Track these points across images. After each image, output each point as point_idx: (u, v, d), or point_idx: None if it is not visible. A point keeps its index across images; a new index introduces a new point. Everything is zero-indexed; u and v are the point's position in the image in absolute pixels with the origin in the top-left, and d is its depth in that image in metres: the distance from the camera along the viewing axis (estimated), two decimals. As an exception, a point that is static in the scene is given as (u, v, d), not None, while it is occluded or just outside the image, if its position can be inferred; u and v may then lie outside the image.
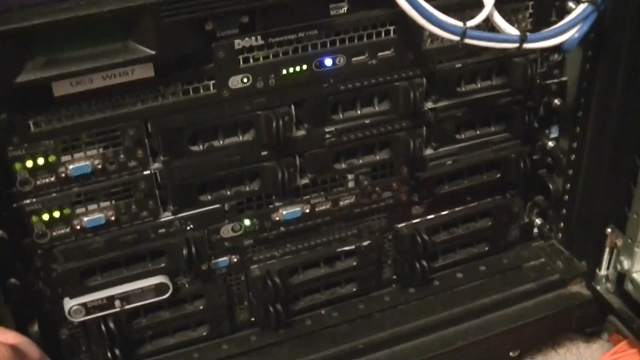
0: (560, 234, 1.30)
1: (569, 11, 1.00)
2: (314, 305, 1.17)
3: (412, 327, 1.17)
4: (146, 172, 0.95)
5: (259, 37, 0.91)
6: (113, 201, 0.96)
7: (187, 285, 1.07)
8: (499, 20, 0.94)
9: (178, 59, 0.88)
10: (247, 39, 0.91)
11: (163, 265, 1.01)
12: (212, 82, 0.92)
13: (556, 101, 1.14)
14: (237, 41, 0.90)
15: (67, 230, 0.95)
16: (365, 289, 1.19)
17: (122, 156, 0.93)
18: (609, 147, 1.12)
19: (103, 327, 1.02)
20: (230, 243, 1.06)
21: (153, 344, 1.10)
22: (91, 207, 0.95)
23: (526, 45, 0.95)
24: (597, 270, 1.22)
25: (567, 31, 0.96)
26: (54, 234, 0.94)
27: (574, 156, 1.19)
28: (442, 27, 0.90)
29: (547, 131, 1.20)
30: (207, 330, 1.12)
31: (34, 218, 0.93)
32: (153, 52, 0.83)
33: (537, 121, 1.16)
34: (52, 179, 0.91)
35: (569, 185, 1.22)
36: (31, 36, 0.78)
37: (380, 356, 1.15)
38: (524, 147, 1.17)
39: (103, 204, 0.95)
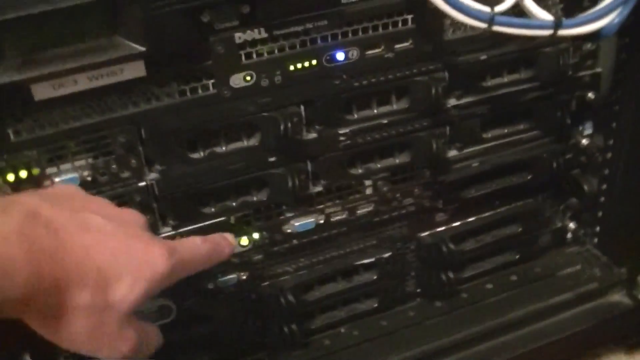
0: (596, 239, 1.24)
1: (603, -5, 0.93)
2: (332, 323, 1.11)
3: (441, 344, 1.11)
4: (141, 184, 0.88)
5: (262, 30, 0.84)
6: (106, 217, 0.88)
7: (192, 306, 0.99)
8: (530, 4, 0.86)
9: (172, 55, 0.80)
10: (248, 31, 0.83)
11: (165, 285, 0.93)
12: (212, 81, 0.85)
13: (590, 95, 1.07)
14: (237, 34, 0.83)
15: (55, 250, 0.86)
16: (388, 304, 1.13)
17: (113, 166, 0.85)
18: (649, 143, 1.05)
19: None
20: (238, 258, 0.99)
21: (156, 370, 1.02)
22: (81, 224, 0.87)
23: (561, 32, 0.86)
24: (639, 278, 1.16)
25: (606, 15, 0.88)
26: (41, 255, 0.86)
27: (610, 154, 1.13)
28: (467, 13, 0.82)
29: (580, 128, 1.13)
30: (215, 354, 1.05)
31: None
32: (143, 49, 0.76)
33: (570, 117, 1.09)
34: (36, 193, 0.83)
35: (605, 185, 1.16)
36: (4, 33, 0.71)
37: (407, 377, 1.08)
38: (555, 145, 1.10)
39: (95, 220, 0.87)
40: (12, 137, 0.79)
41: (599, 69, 1.06)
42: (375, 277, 1.08)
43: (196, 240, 0.78)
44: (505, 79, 1.01)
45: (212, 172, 0.90)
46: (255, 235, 0.98)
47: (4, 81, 0.72)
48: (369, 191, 1.02)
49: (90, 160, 0.84)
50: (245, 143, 0.91)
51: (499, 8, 0.84)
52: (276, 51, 0.86)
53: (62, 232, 0.64)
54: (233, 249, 0.86)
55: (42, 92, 0.76)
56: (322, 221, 1.01)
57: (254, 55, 0.85)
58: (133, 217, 0.75)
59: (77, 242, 0.65)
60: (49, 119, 0.80)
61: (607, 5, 0.88)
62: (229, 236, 0.87)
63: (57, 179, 0.82)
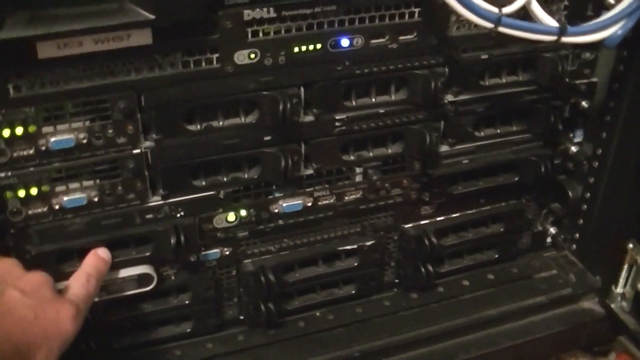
0: (574, 245, 1.24)
1: (607, 7, 0.93)
2: (309, 305, 1.10)
3: (412, 336, 1.11)
4: (136, 151, 0.88)
5: (271, 9, 0.84)
6: (97, 180, 0.88)
7: (172, 277, 0.99)
8: (537, 8, 0.86)
9: (179, 26, 0.80)
10: (257, 10, 0.83)
11: (148, 253, 0.94)
12: (216, 55, 0.85)
13: (584, 103, 1.08)
14: (246, 11, 0.83)
15: (45, 209, 0.87)
16: (365, 292, 1.13)
17: (110, 131, 0.85)
18: (636, 156, 1.06)
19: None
20: (223, 234, 0.99)
21: (132, 337, 1.03)
22: (72, 185, 0.87)
23: (565, 39, 0.86)
24: (613, 287, 1.17)
25: (610, 26, 0.88)
26: (30, 212, 0.86)
27: (597, 163, 1.13)
28: (476, 12, 0.82)
29: (571, 134, 1.14)
30: (191, 327, 1.05)
31: (9, 193, 0.85)
32: (152, 17, 0.75)
33: (562, 123, 1.09)
34: (31, 151, 0.83)
35: (588, 193, 1.16)
36: (16, -12, 0.70)
37: (376, 365, 1.09)
38: (545, 149, 1.11)
39: (86, 183, 0.88)
40: (11, 92, 0.79)
41: (595, 79, 1.07)
42: (355, 264, 1.08)
43: (84, 284, 0.84)
44: (504, 80, 1.02)
45: (207, 146, 0.90)
46: (243, 212, 0.98)
47: (10, 36, 0.71)
48: (358, 178, 1.02)
49: (87, 123, 0.83)
50: (242, 120, 0.91)
51: (506, 10, 0.84)
52: (283, 32, 0.86)
53: None
54: (109, 264, 0.90)
55: (46, 50, 0.76)
56: (309, 204, 1.00)
57: (261, 34, 0.85)
58: (42, 279, 0.79)
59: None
60: (50, 77, 0.79)
61: (612, 16, 0.88)
62: (103, 252, 0.90)
63: (52, 139, 0.82)
